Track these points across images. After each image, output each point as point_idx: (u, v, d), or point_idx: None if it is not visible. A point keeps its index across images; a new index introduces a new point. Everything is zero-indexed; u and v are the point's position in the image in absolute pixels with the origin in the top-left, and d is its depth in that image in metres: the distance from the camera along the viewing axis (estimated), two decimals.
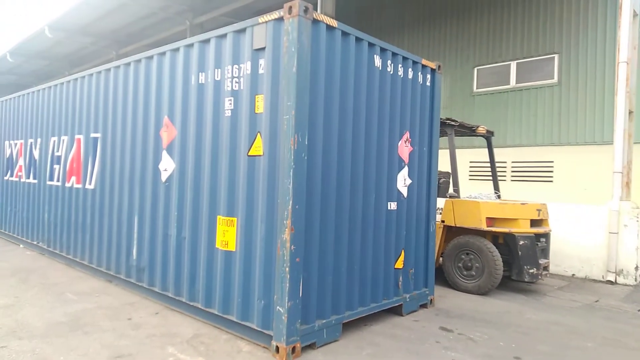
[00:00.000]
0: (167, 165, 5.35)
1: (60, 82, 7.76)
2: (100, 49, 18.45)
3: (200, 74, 4.98)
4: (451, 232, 7.02)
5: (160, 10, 13.88)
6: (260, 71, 4.36)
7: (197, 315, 4.88)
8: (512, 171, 11.25)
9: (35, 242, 8.27)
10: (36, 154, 8.37)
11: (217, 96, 4.78)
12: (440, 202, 6.84)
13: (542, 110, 10.80)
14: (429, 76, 5.77)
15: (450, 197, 7.02)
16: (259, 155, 4.34)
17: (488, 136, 8.00)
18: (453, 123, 7.09)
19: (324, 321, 4.32)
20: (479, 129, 7.67)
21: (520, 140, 11.18)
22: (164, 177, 5.40)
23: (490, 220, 6.62)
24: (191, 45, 5.09)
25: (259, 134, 4.36)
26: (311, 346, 4.19)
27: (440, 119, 6.26)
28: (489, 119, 11.38)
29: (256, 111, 4.39)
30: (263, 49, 4.33)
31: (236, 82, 4.59)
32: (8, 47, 19.53)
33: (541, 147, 10.77)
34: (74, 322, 4.66)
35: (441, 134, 6.43)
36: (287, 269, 3.92)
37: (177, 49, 5.27)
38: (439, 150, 5.99)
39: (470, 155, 11.59)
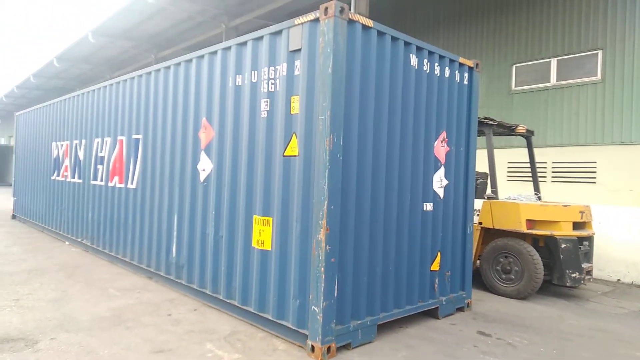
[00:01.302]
0: (205, 166, 5.48)
1: (103, 85, 8.08)
2: (140, 52, 19.08)
3: (237, 76, 5.07)
4: (489, 234, 6.85)
5: (197, 14, 14.20)
6: (296, 72, 4.40)
7: (234, 313, 4.97)
8: (553, 172, 10.86)
9: (79, 240, 8.64)
10: (81, 154, 8.74)
11: (254, 97, 4.85)
12: (478, 204, 6.69)
13: (585, 108, 10.38)
14: (466, 74, 5.65)
15: (488, 198, 6.86)
16: (295, 156, 4.37)
17: (528, 136, 7.77)
18: (491, 122, 6.93)
19: (359, 322, 4.31)
20: (519, 128, 7.46)
21: (561, 140, 10.79)
22: (202, 177, 5.53)
23: (531, 223, 6.42)
24: (229, 48, 5.19)
25: (294, 134, 4.40)
26: (346, 347, 4.19)
27: (478, 118, 6.12)
28: (528, 118, 11.04)
29: (292, 112, 4.43)
30: (299, 50, 4.36)
31: (272, 84, 4.65)
32: (54, 53, 20.49)
33: (583, 147, 10.34)
34: (117, 317, 4.84)
35: (479, 133, 6.29)
36: (322, 268, 3.94)
37: (215, 52, 5.38)
38: (477, 150, 5.86)
39: (509, 156, 11.27)
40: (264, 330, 4.57)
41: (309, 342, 3.99)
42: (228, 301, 5.01)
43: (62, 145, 9.72)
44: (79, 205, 8.70)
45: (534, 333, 4.95)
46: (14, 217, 12.87)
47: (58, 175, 9.82)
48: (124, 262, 7.10)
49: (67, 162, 9.39)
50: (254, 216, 4.77)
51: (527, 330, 5.02)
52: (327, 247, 3.95)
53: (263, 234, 4.66)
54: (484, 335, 4.79)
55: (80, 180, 8.74)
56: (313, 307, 3.99)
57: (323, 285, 3.92)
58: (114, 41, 17.41)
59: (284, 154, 4.47)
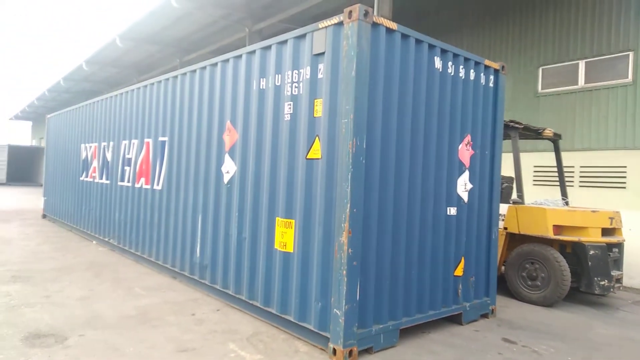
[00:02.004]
0: (229, 168, 5.55)
1: (131, 88, 8.27)
2: (165, 56, 19.48)
3: (261, 79, 5.12)
4: (514, 239, 6.72)
5: (222, 18, 14.41)
6: (320, 76, 4.42)
7: (256, 314, 5.01)
8: (581, 176, 10.59)
9: (106, 239, 8.85)
10: (109, 156, 8.96)
11: (277, 101, 4.89)
12: (503, 208, 6.58)
13: (614, 111, 10.09)
14: (492, 77, 5.58)
15: (514, 203, 6.74)
16: (317, 159, 4.39)
17: (555, 139, 7.61)
18: (517, 125, 6.80)
19: (381, 326, 4.28)
20: (545, 131, 7.31)
21: (589, 144, 10.51)
22: (226, 179, 5.60)
23: (558, 228, 6.28)
24: (253, 52, 5.25)
25: (317, 137, 4.42)
26: (368, 350, 4.18)
27: (504, 121, 6.03)
28: (554, 121, 10.80)
29: (315, 115, 4.45)
30: (322, 53, 4.38)
31: (295, 87, 4.68)
32: (84, 56, 21.11)
33: (613, 151, 10.05)
34: (142, 315, 4.94)
35: (504, 137, 6.19)
36: (344, 272, 3.93)
37: (240, 56, 5.45)
38: (502, 154, 5.76)
39: (535, 159, 11.05)
40: (285, 331, 4.59)
41: (331, 345, 3.99)
42: (250, 302, 5.06)
43: (90, 147, 9.99)
44: (107, 205, 8.92)
45: (561, 341, 4.83)
46: (44, 216, 13.27)
47: (86, 176, 10.10)
48: (149, 262, 7.25)
49: (95, 164, 9.64)
50: (277, 218, 4.80)
51: (554, 339, 4.90)
52: (350, 250, 3.95)
53: (285, 236, 4.69)
54: (509, 343, 4.70)
55: (107, 181, 8.96)
56: (335, 310, 3.99)
57: (345, 288, 3.92)
58: (140, 45, 17.83)
59: (307, 157, 4.49)
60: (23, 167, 29.79)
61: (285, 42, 4.81)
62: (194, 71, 6.34)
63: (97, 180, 9.49)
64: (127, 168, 8.16)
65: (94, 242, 9.46)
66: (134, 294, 5.79)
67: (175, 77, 6.80)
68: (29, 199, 18.85)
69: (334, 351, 3.95)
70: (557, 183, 7.91)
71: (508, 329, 5.17)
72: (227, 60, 5.69)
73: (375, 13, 4.18)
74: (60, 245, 8.97)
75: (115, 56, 20.34)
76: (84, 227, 10.12)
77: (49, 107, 34.33)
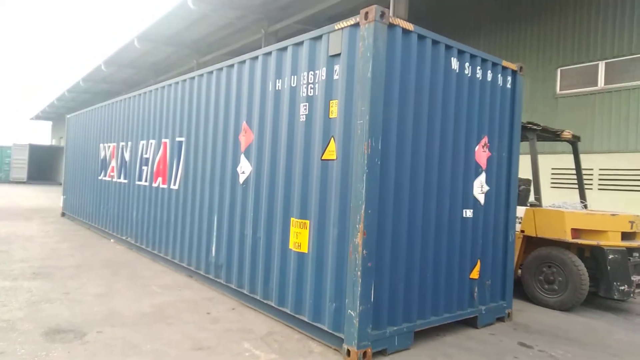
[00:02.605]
0: (245, 168, 5.60)
1: (148, 89, 8.40)
2: (182, 57, 19.72)
3: (277, 80, 5.16)
4: (531, 243, 6.63)
5: (238, 19, 14.54)
6: (335, 77, 4.43)
7: (271, 313, 5.04)
8: (600, 179, 10.41)
9: (124, 237, 8.99)
10: (127, 156, 9.11)
11: (293, 102, 4.92)
12: (520, 211, 6.50)
13: (635, 113, 9.90)
14: (509, 78, 5.52)
15: (531, 205, 6.65)
16: (332, 160, 4.40)
17: (574, 141, 7.48)
18: (535, 127, 6.71)
19: (396, 328, 4.27)
20: (564, 133, 7.19)
21: (609, 146, 10.33)
22: (241, 179, 5.65)
23: (576, 232, 6.17)
24: (269, 53, 5.29)
25: (332, 138, 4.43)
26: (382, 352, 4.17)
27: (521, 122, 5.96)
28: (573, 123, 10.64)
29: (330, 116, 4.46)
30: (338, 55, 4.39)
31: (311, 88, 4.70)
32: (102, 58, 21.48)
33: (633, 154, 9.87)
34: (159, 313, 5.01)
35: (522, 138, 6.11)
36: (359, 273, 3.93)
37: (256, 57, 5.49)
38: (520, 156, 5.70)
39: (553, 162, 10.90)
40: (299, 331, 4.61)
41: (345, 346, 3.99)
42: (265, 302, 5.09)
43: (109, 147, 10.16)
44: (124, 204, 9.07)
45: (579, 347, 4.75)
46: (63, 214, 13.54)
47: (105, 176, 10.27)
48: (166, 260, 7.34)
49: (113, 163, 9.80)
50: (292, 218, 4.82)
51: (572, 344, 4.82)
52: (364, 251, 3.94)
53: (300, 237, 4.71)
54: (525, 347, 4.64)
55: (125, 181, 9.11)
56: (349, 311, 3.99)
57: (359, 289, 3.92)
58: (158, 46, 18.08)
59: (322, 158, 4.51)
60: (43, 166, 30.43)
61: (301, 43, 4.84)
62: (211, 72, 6.40)
63: (115, 179, 9.65)
64: (144, 168, 8.28)
65: (112, 240, 9.62)
66: (150, 291, 5.87)
67: (193, 78, 6.88)
68: (48, 198, 19.25)
69: (348, 352, 3.95)
70: (576, 186, 7.77)
71: (524, 333, 5.11)
72: (243, 62, 5.74)
73: (391, 14, 4.16)
74: (78, 243, 9.15)
75: (133, 57, 20.66)
76: (102, 226, 10.29)
77: (68, 107, 35.01)
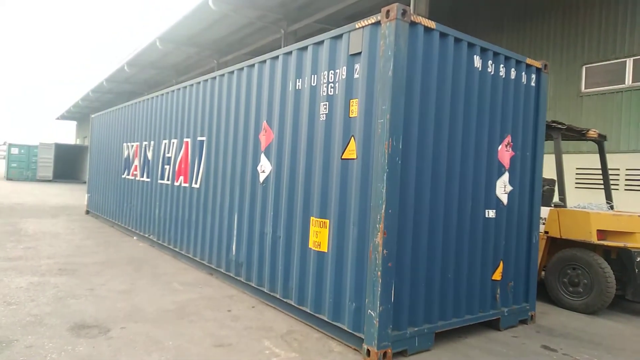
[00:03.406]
0: (265, 167, 5.63)
1: (170, 89, 8.52)
2: (203, 58, 19.93)
3: (297, 80, 5.17)
4: (555, 244, 6.49)
5: (257, 19, 14.63)
6: (356, 76, 4.42)
7: (290, 312, 5.06)
8: (626, 179, 10.12)
9: (146, 235, 9.15)
10: (150, 155, 9.26)
11: (313, 101, 4.92)
12: (544, 212, 6.37)
13: None
14: (533, 76, 5.41)
15: (556, 206, 6.51)
16: (352, 159, 4.39)
17: (600, 141, 7.29)
18: (560, 126, 6.57)
19: (416, 329, 4.24)
20: (590, 132, 7.02)
21: (636, 145, 10.03)
22: (261, 178, 5.68)
23: (602, 233, 6.02)
24: (290, 52, 5.30)
25: (352, 137, 4.42)
26: (402, 353, 4.14)
27: (546, 121, 5.84)
28: (599, 122, 10.37)
29: (350, 115, 4.45)
30: (359, 54, 4.38)
31: (331, 87, 4.69)
32: (125, 59, 21.88)
33: None
34: (181, 310, 5.08)
35: (546, 137, 5.99)
36: (379, 273, 3.92)
37: (277, 57, 5.52)
38: (544, 156, 5.59)
39: (577, 161, 10.65)
40: (319, 331, 4.61)
41: (365, 346, 3.98)
42: (285, 300, 5.11)
43: (132, 146, 10.35)
44: (147, 202, 9.22)
45: (605, 351, 4.63)
46: (87, 212, 13.84)
47: (128, 174, 10.47)
48: (187, 258, 7.44)
49: (136, 162, 9.98)
50: (311, 218, 4.83)
51: (597, 348, 4.71)
52: (384, 251, 3.92)
53: (320, 236, 4.71)
54: (549, 350, 4.55)
55: (148, 179, 9.26)
56: (369, 311, 3.98)
57: (380, 289, 3.90)
58: (178, 47, 18.31)
59: (342, 157, 4.50)
60: (68, 165, 31.18)
61: (321, 42, 4.84)
62: (232, 72, 6.46)
63: (138, 178, 9.82)
64: (166, 167, 8.41)
65: (135, 237, 9.79)
66: (172, 288, 5.96)
67: (214, 78, 6.95)
68: (73, 196, 19.72)
69: (368, 352, 3.94)
70: (601, 186, 7.58)
71: (548, 336, 5.01)
72: (264, 62, 5.77)
73: (411, 12, 4.12)
74: (102, 240, 9.34)
75: (155, 58, 20.98)
76: (125, 223, 10.49)
77: (92, 107, 35.80)
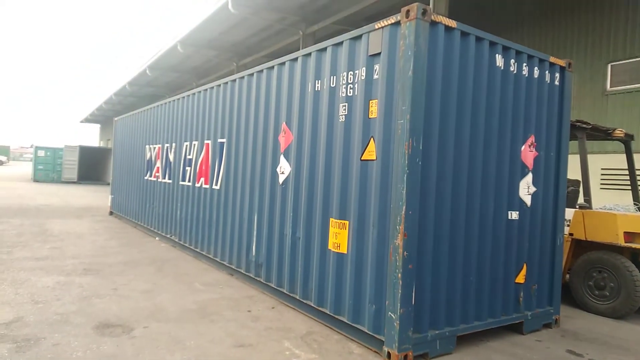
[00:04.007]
0: (284, 169, 5.65)
1: (191, 92, 8.64)
2: (222, 61, 20.14)
3: (316, 81, 5.18)
4: (580, 246, 6.34)
5: (276, 22, 14.71)
6: (375, 76, 4.40)
7: (310, 313, 5.06)
8: None
9: (168, 236, 9.29)
10: (171, 157, 9.40)
11: (332, 102, 4.92)
12: (569, 213, 6.22)
13: None
14: (557, 75, 5.30)
15: (581, 207, 6.35)
16: (372, 160, 4.37)
17: (627, 140, 7.09)
18: (585, 126, 6.41)
19: (437, 332, 4.19)
20: (616, 132, 6.83)
21: None
22: (280, 179, 5.71)
23: (629, 235, 5.85)
24: (309, 54, 5.31)
25: (372, 138, 4.40)
26: (423, 356, 4.10)
27: (570, 121, 5.71)
28: (625, 121, 10.08)
29: (370, 116, 4.44)
30: (378, 54, 4.36)
31: (350, 88, 4.69)
32: (147, 62, 22.27)
33: None
34: (202, 310, 5.14)
35: (571, 137, 5.85)
36: (399, 275, 3.89)
37: (296, 59, 5.54)
38: (568, 156, 5.47)
39: (602, 162, 10.37)
40: (339, 332, 4.60)
41: (385, 349, 3.95)
42: (304, 301, 5.12)
43: (154, 148, 10.53)
44: (169, 203, 9.36)
45: (634, 357, 4.49)
46: (111, 213, 14.12)
47: (150, 176, 10.65)
48: (208, 258, 7.52)
49: (158, 164, 10.14)
50: (331, 219, 4.83)
51: (626, 353, 4.57)
52: (405, 253, 3.89)
53: (339, 237, 4.70)
54: (575, 355, 4.44)
55: (170, 181, 9.40)
56: (390, 313, 3.95)
57: (400, 291, 3.87)
58: (199, 50, 18.54)
59: (362, 158, 4.48)
60: (92, 167, 31.87)
61: (340, 43, 4.83)
62: (252, 75, 6.51)
63: (160, 179, 9.98)
64: (188, 168, 8.52)
65: (157, 238, 9.95)
66: (193, 288, 6.03)
67: (234, 80, 7.02)
68: (97, 197, 20.16)
69: (389, 355, 3.91)
70: (628, 187, 7.36)
71: (573, 340, 4.89)
72: (283, 63, 5.80)
73: (431, 11, 4.08)
74: (125, 241, 9.52)
75: (176, 62, 21.29)
76: (147, 224, 10.67)
77: (115, 110, 36.53)
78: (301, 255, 5.21)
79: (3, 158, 64.42)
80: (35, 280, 5.98)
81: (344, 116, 4.74)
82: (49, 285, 5.78)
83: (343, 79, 4.76)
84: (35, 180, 29.58)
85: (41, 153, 30.29)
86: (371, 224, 4.34)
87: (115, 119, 14.67)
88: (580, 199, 6.58)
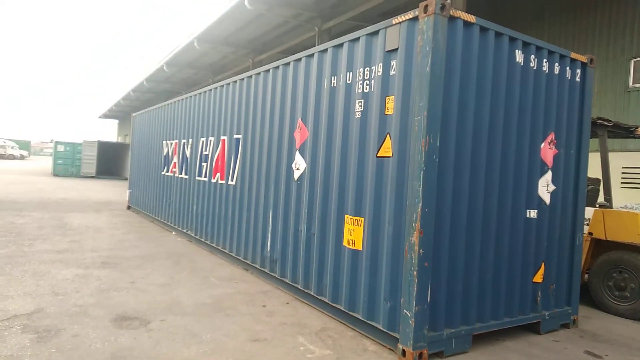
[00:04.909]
0: (299, 165, 5.66)
1: (208, 89, 8.69)
2: (238, 57, 20.22)
3: (332, 77, 5.16)
4: (600, 246, 6.21)
5: (292, 18, 14.70)
6: (392, 72, 4.37)
7: (324, 309, 5.07)
8: None
9: (184, 230, 9.39)
10: (188, 152, 9.49)
11: (348, 98, 4.90)
12: (588, 212, 6.10)
13: None
14: (578, 71, 5.19)
15: (601, 206, 6.23)
16: (388, 157, 4.34)
17: None
18: (606, 123, 6.27)
19: (453, 330, 4.16)
20: (639, 130, 6.67)
21: None
22: (296, 175, 5.71)
23: None
24: (325, 50, 5.30)
25: (388, 135, 4.37)
26: (438, 355, 4.07)
27: (591, 118, 5.59)
28: None
29: (386, 112, 4.41)
30: (395, 50, 4.32)
31: (367, 84, 4.66)
32: (164, 59, 22.49)
33: None
34: (217, 304, 5.19)
35: (591, 135, 5.73)
36: (415, 272, 3.86)
37: (312, 55, 5.53)
38: (588, 154, 5.36)
39: (623, 160, 10.14)
40: (353, 329, 4.60)
41: (400, 346, 3.94)
42: (319, 297, 5.13)
43: (171, 144, 10.64)
44: (185, 199, 9.46)
45: None
46: (128, 207, 14.33)
47: (167, 171, 10.77)
48: (223, 253, 7.59)
49: (175, 159, 10.25)
50: (346, 215, 4.82)
51: None
52: (421, 250, 3.87)
53: (354, 234, 4.69)
54: (594, 356, 4.36)
55: (186, 176, 9.50)
56: (405, 311, 3.93)
57: (415, 289, 3.84)
58: (215, 47, 18.64)
59: (377, 155, 4.46)
60: (110, 162, 32.36)
61: (357, 39, 4.81)
62: (268, 71, 6.52)
63: (177, 175, 10.09)
64: (204, 164, 8.59)
65: (173, 232, 10.07)
66: (209, 283, 6.09)
67: (250, 77, 7.04)
68: (115, 192, 20.47)
69: (403, 352, 3.89)
70: None
71: (592, 341, 4.81)
72: (299, 60, 5.80)
73: (450, 5, 4.03)
74: (143, 235, 9.66)
75: (192, 58, 21.45)
76: (164, 219, 10.80)
77: (133, 106, 36.99)
78: (316, 252, 5.22)
79: (24, 153, 65.87)
80: (55, 272, 6.10)
81: (360, 112, 4.72)
82: (68, 277, 5.90)
83: (359, 75, 4.74)
84: (55, 174, 30.15)
85: (61, 148, 30.85)
86: (387, 221, 4.31)
87: (133, 114, 14.85)
88: (601, 198, 6.45)
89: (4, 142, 61.66)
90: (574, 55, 5.11)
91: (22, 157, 62.69)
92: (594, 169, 6.20)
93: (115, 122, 55.97)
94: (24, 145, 71.26)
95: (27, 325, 4.18)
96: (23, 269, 6.16)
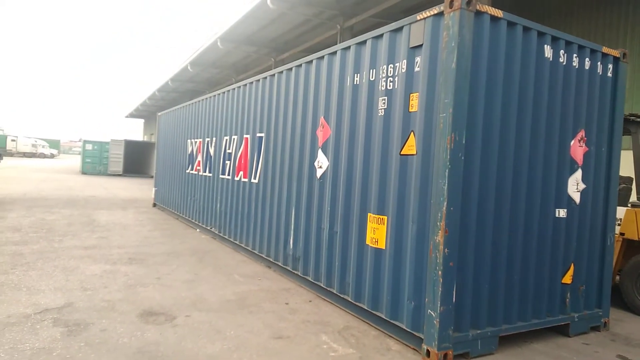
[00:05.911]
0: (322, 163, 5.65)
1: (231, 88, 8.77)
2: (260, 56, 20.33)
3: (355, 75, 5.13)
4: (632, 247, 6.01)
5: (314, 16, 14.69)
6: (416, 69, 4.31)
7: (347, 308, 5.05)
8: None
9: (208, 228, 9.51)
10: (212, 151, 9.60)
11: (371, 96, 4.87)
12: (620, 212, 5.90)
13: None
14: (610, 66, 5.02)
15: (633, 206, 6.01)
16: (412, 155, 4.29)
17: None
18: (639, 120, 6.05)
19: (479, 331, 4.08)
20: None
21: None
22: (318, 174, 5.71)
23: None
24: (348, 47, 5.27)
25: (412, 132, 4.32)
26: (464, 356, 4.01)
27: (623, 115, 5.40)
28: None
29: (410, 110, 4.36)
30: (420, 46, 4.27)
31: (390, 82, 4.61)
32: (189, 59, 22.81)
33: None
34: (241, 301, 5.23)
35: (623, 132, 5.54)
36: (439, 272, 3.81)
37: (335, 53, 5.51)
38: (620, 152, 5.18)
39: None
40: (376, 328, 4.57)
41: (425, 347, 3.89)
42: (341, 296, 5.12)
43: (195, 142, 10.79)
44: (209, 196, 9.59)
45: None
46: (154, 205, 14.61)
47: (192, 169, 10.93)
48: (246, 251, 7.65)
49: (199, 158, 10.39)
50: (369, 214, 4.79)
51: None
52: (446, 250, 3.81)
53: (377, 232, 4.66)
54: None
55: (210, 174, 9.62)
56: (429, 311, 3.88)
57: (440, 289, 3.79)
58: (238, 46, 18.79)
59: (401, 153, 4.41)
60: (136, 160, 33.05)
61: (380, 36, 4.76)
62: (290, 69, 6.53)
63: (201, 173, 10.23)
64: (227, 162, 8.68)
65: (198, 230, 10.21)
66: (233, 280, 6.15)
67: (272, 75, 7.07)
68: (141, 189, 20.90)
69: (428, 353, 3.85)
70: None
71: (624, 345, 4.65)
72: (321, 58, 5.78)
73: (476, 0, 3.95)
74: (168, 232, 9.83)
75: (216, 58, 21.68)
76: (188, 216, 10.97)
77: (158, 105, 37.63)
78: (338, 250, 5.21)
79: (54, 151, 67.95)
80: (84, 268, 6.27)
81: (383, 110, 4.68)
82: (96, 273, 6.05)
83: (383, 72, 4.70)
84: (83, 172, 30.99)
85: (89, 147, 31.70)
86: (410, 220, 4.27)
87: (159, 114, 15.12)
88: (633, 197, 6.24)
89: (35, 142, 63.75)
90: (605, 49, 4.94)
91: (52, 156, 64.68)
92: (626, 168, 5.99)
93: (141, 121, 57.06)
94: (54, 144, 73.50)
95: (58, 319, 4.31)
96: (54, 264, 6.35)
